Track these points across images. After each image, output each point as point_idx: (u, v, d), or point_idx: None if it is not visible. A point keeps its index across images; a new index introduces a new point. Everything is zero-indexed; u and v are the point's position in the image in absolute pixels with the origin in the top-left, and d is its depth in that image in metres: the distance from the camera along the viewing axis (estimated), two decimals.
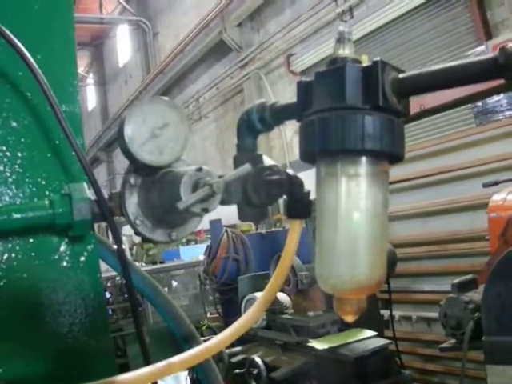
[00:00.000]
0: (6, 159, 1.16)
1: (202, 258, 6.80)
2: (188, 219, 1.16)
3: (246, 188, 1.10)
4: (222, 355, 4.12)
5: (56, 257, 1.18)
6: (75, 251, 1.20)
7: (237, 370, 4.12)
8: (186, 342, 1.31)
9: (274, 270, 1.13)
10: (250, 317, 1.11)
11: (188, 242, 12.33)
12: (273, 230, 7.14)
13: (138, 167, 1.11)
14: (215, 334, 4.30)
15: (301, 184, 1.10)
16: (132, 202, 1.12)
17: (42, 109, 1.18)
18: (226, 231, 5.94)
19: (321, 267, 0.94)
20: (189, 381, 4.75)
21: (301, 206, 1.10)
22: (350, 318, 0.96)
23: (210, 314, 6.46)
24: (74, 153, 1.13)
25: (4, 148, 1.16)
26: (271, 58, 13.14)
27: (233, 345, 4.28)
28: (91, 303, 1.22)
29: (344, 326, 4.26)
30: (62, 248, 1.19)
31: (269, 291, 1.12)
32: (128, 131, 1.06)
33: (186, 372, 4.69)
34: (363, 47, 9.78)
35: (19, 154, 1.17)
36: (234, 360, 4.21)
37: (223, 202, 1.09)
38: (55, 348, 1.17)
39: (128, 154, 1.07)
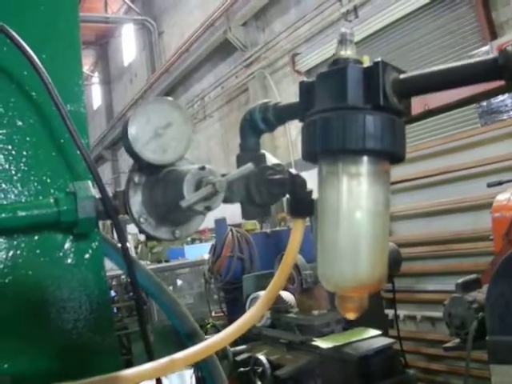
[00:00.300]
0: (11, 158, 1.17)
1: (206, 256, 6.80)
2: (191, 217, 1.17)
3: (248, 187, 1.11)
4: (227, 352, 4.12)
5: (61, 254, 1.19)
6: (80, 248, 1.21)
7: (241, 369, 4.12)
8: (190, 339, 1.32)
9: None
10: (252, 314, 1.12)
11: (193, 241, 12.34)
12: (277, 228, 7.12)
13: (141, 166, 1.13)
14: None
15: (303, 183, 1.11)
16: (136, 201, 1.13)
17: (47, 108, 1.19)
18: (231, 230, 5.93)
19: (323, 266, 0.95)
20: (194, 379, 4.75)
21: (303, 205, 1.11)
22: (351, 316, 0.97)
23: (215, 312, 6.45)
24: (78, 152, 1.14)
25: (9, 147, 1.17)
26: (276, 57, 13.12)
27: (237, 343, 4.28)
28: (96, 300, 1.23)
29: (348, 325, 4.26)
30: (67, 245, 1.20)
31: (272, 289, 1.13)
32: (132, 131, 1.07)
33: (191, 370, 4.69)
34: (368, 47, 9.76)
35: (24, 153, 1.18)
36: (238, 358, 4.20)
37: (226, 201, 1.10)
38: (60, 344, 1.18)
39: (132, 152, 1.08)
